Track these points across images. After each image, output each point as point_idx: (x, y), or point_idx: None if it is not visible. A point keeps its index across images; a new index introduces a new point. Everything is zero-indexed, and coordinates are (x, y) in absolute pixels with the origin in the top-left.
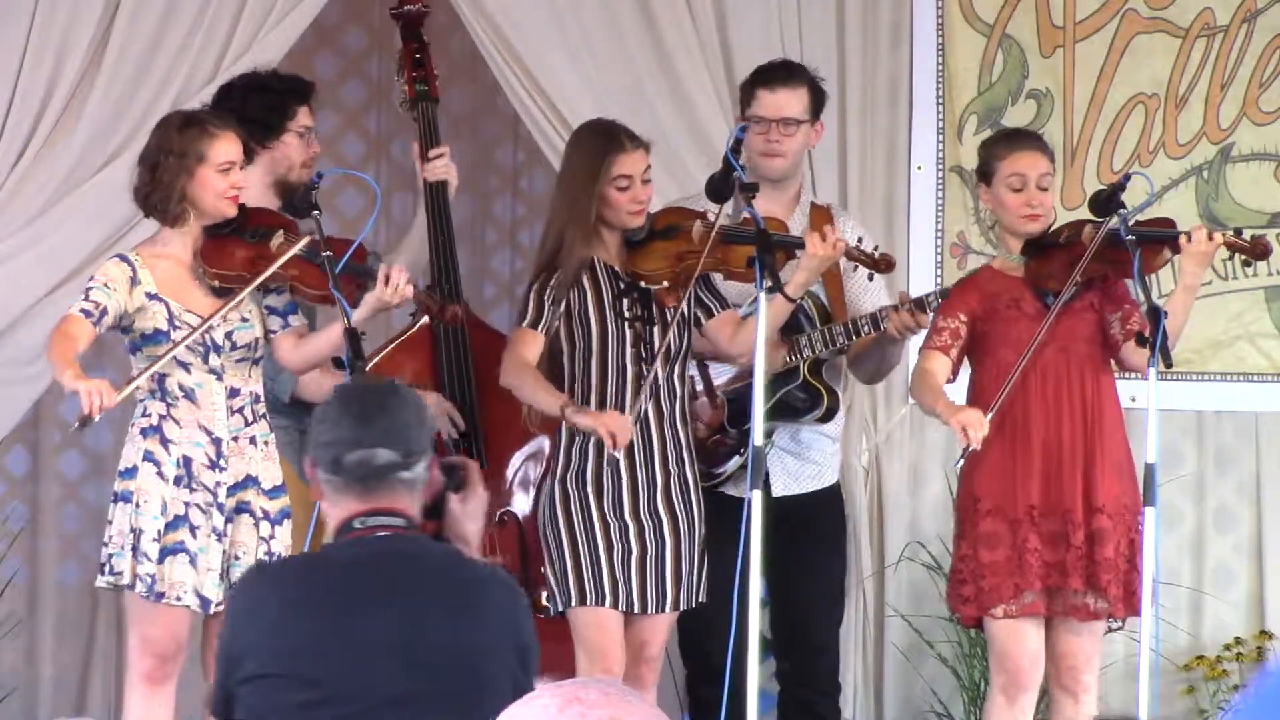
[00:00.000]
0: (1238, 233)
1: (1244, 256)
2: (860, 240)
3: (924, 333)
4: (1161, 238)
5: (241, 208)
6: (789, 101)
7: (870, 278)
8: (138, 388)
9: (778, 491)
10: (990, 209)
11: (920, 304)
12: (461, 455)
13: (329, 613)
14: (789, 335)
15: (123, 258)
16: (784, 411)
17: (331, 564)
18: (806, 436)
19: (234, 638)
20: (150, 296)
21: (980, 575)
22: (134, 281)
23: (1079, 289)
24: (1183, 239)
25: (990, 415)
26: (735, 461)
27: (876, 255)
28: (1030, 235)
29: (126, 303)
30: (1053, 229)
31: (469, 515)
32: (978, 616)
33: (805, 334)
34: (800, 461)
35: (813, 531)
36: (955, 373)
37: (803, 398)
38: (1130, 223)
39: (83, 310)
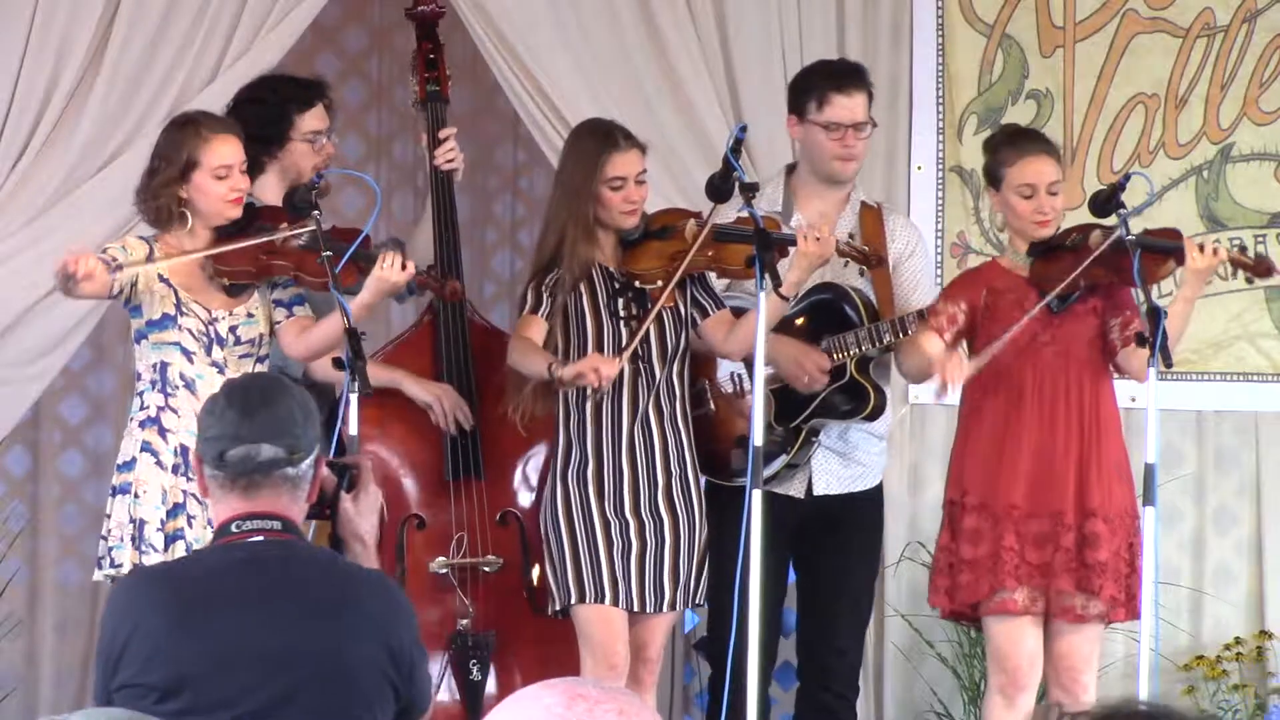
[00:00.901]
0: (1242, 249)
1: (1247, 274)
2: (911, 242)
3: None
4: (1166, 249)
5: (249, 207)
6: (862, 104)
7: (861, 273)
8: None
9: (819, 490)
10: (999, 211)
11: None
12: (458, 455)
13: (198, 620)
14: (837, 333)
15: (142, 238)
16: (829, 410)
17: (203, 570)
18: (854, 437)
19: (110, 646)
20: (161, 279)
21: (958, 570)
22: (149, 259)
23: (1083, 293)
24: (1188, 252)
25: (971, 366)
26: (782, 460)
27: (868, 250)
28: (1040, 239)
29: (140, 271)
30: (1061, 231)
31: (362, 514)
32: (955, 610)
33: (853, 331)
34: (845, 462)
35: (848, 533)
36: None
37: (845, 398)
38: (1130, 222)
39: (100, 250)
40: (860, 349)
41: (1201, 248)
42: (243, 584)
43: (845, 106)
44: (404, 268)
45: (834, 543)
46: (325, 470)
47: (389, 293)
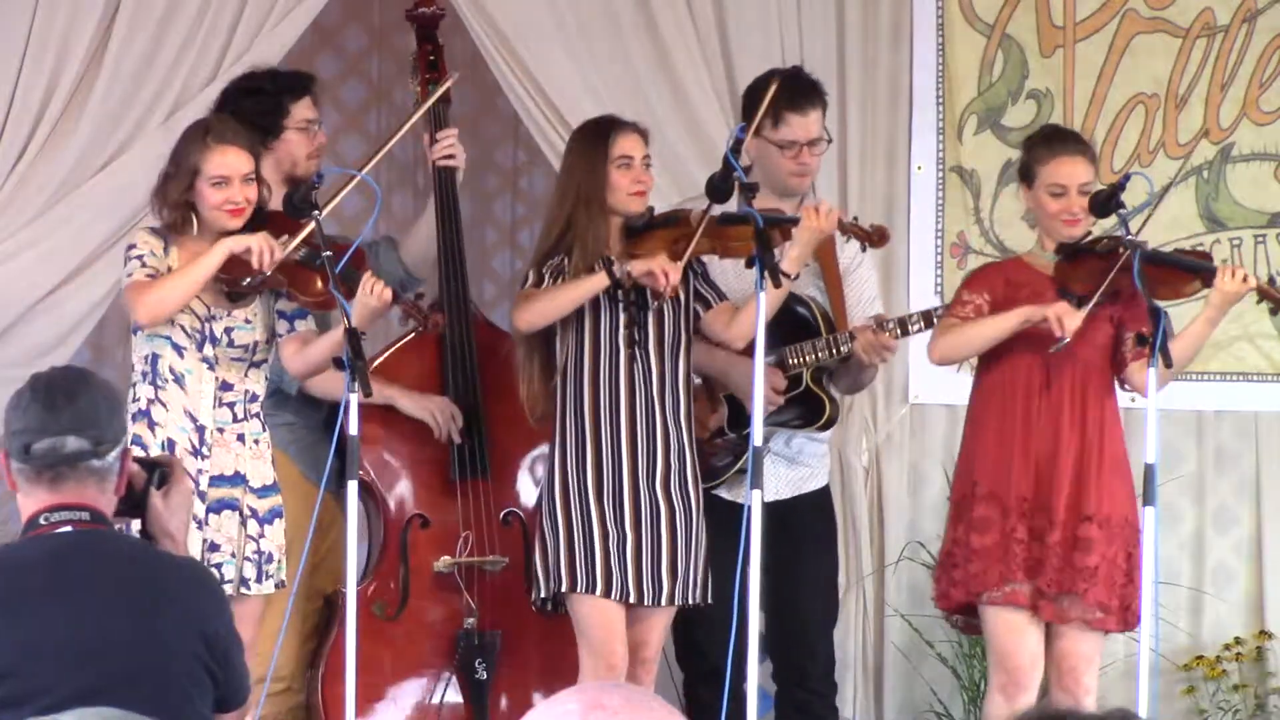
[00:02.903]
0: (1272, 281)
1: (1271, 305)
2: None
3: (890, 357)
4: (1194, 268)
5: (259, 213)
6: (817, 121)
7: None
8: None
9: (769, 496)
10: (1030, 208)
11: (880, 324)
12: (463, 455)
13: (7, 613)
14: (795, 341)
15: (154, 230)
16: (785, 419)
17: (11, 564)
18: (798, 442)
19: None
20: (168, 272)
21: (969, 560)
22: (165, 252)
23: (1103, 299)
24: (1219, 274)
25: (1084, 311)
26: (735, 467)
27: (869, 228)
28: (1070, 239)
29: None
30: (1093, 237)
31: (172, 510)
32: (964, 601)
33: (810, 341)
34: (792, 466)
35: (804, 534)
36: None
37: (800, 408)
38: (1150, 248)
39: (148, 275)
40: (817, 358)
41: (1233, 272)
42: (51, 575)
43: (800, 125)
44: (380, 294)
45: (791, 545)
46: (135, 467)
47: (371, 318)
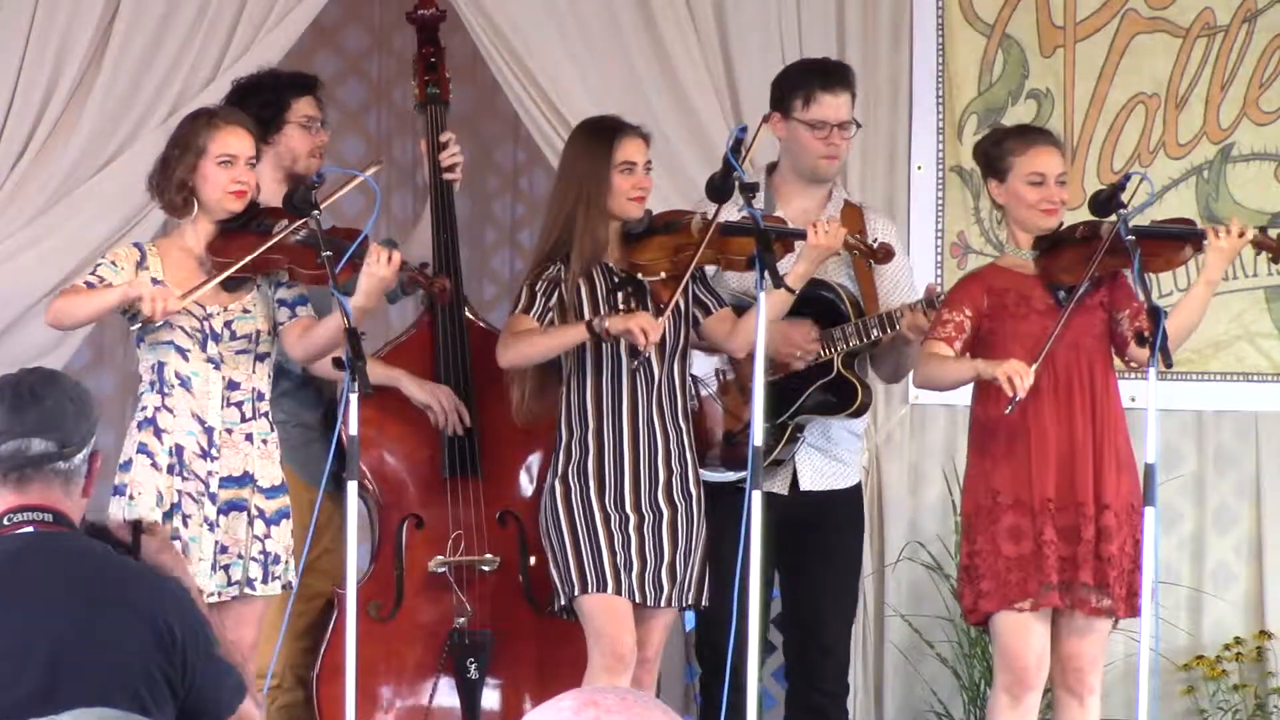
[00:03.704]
0: (1264, 230)
1: (1270, 254)
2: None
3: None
4: (1182, 235)
5: (254, 205)
6: (847, 104)
7: (870, 265)
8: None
9: (805, 485)
10: (1002, 203)
11: (931, 304)
12: (454, 454)
13: None
14: (827, 329)
15: (135, 244)
16: (816, 406)
17: None
18: (836, 434)
19: None
20: (156, 283)
21: (1008, 569)
22: (140, 265)
23: (1091, 285)
24: (1209, 233)
25: (1035, 367)
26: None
27: (875, 246)
28: (1045, 230)
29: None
30: (1066, 227)
31: (165, 567)
32: (996, 611)
33: (840, 327)
34: (827, 459)
35: (831, 530)
36: None
37: (832, 394)
38: (1131, 222)
39: (86, 283)
40: (848, 344)
41: (1225, 229)
42: (9, 576)
43: (831, 105)
44: (390, 260)
45: (816, 542)
46: (119, 520)
47: (380, 289)
